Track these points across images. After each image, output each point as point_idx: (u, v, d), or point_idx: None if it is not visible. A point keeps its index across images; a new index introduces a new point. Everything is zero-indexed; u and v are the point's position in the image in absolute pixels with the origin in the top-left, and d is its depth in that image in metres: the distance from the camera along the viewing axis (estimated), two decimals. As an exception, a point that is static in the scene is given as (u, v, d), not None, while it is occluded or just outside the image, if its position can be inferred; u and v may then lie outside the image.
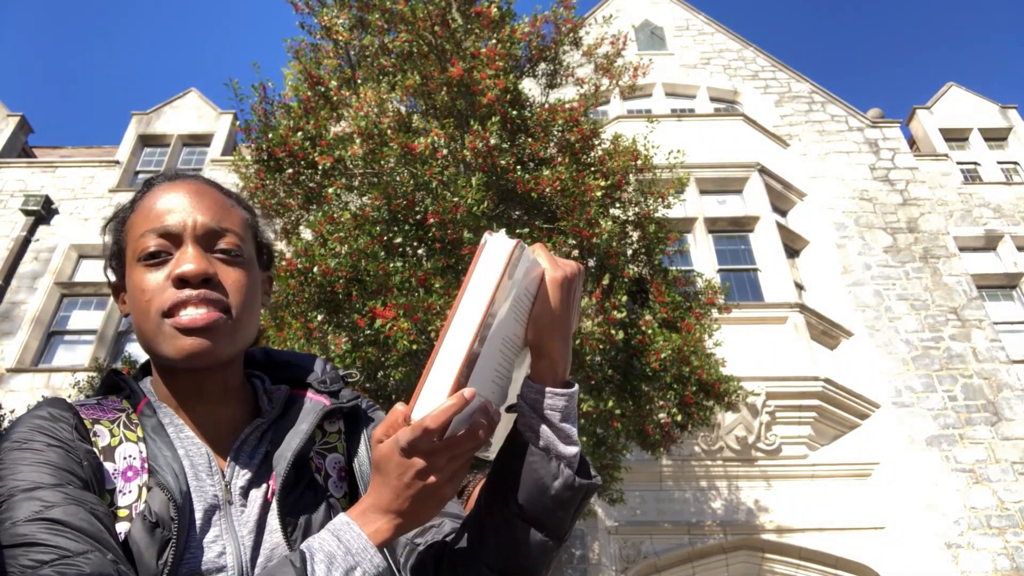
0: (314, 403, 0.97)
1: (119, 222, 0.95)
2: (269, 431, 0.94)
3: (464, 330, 0.73)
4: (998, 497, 8.23)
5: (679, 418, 5.64)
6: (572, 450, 0.84)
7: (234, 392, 0.95)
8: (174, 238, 0.88)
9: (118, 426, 0.86)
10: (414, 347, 4.42)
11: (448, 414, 0.69)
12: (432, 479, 0.72)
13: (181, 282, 0.85)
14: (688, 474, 8.23)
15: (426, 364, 0.74)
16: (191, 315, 0.84)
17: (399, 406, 0.73)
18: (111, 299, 10.97)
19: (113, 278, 0.96)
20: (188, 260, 0.86)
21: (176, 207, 0.90)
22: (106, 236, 0.97)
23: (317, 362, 1.05)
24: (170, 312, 0.85)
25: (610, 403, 5.06)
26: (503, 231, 0.79)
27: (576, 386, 0.86)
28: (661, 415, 5.70)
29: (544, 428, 0.83)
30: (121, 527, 0.77)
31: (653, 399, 5.58)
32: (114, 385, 0.95)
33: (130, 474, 0.82)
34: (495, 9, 6.04)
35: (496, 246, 0.76)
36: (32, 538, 0.68)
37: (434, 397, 0.71)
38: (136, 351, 10.24)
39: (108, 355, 10.30)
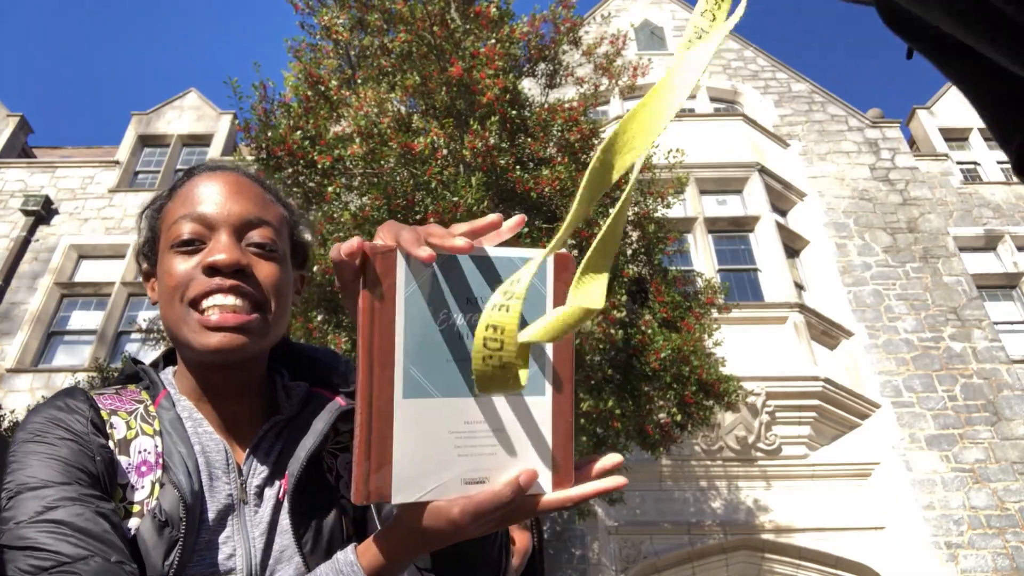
0: (331, 402, 0.94)
1: (155, 209, 0.94)
2: (286, 428, 0.92)
3: None
4: (998, 497, 8.22)
5: (679, 418, 5.63)
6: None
7: (255, 388, 0.93)
8: (209, 226, 0.86)
9: (135, 418, 0.84)
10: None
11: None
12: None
13: (212, 271, 0.83)
14: (688, 474, 8.22)
15: None
16: (221, 310, 0.82)
17: None
18: (111, 299, 11.11)
19: (145, 265, 0.95)
20: (221, 249, 0.84)
21: (213, 195, 0.88)
22: (140, 223, 0.96)
23: (338, 360, 1.03)
24: (197, 301, 0.83)
25: (610, 403, 5.06)
26: None
27: None
28: (661, 415, 5.69)
29: None
30: (133, 523, 0.76)
31: (653, 399, 5.57)
32: (134, 374, 0.94)
33: (144, 469, 0.80)
34: (494, 9, 6.04)
35: None
36: (33, 542, 0.67)
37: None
38: (135, 350, 10.24)
39: (108, 355, 10.29)
